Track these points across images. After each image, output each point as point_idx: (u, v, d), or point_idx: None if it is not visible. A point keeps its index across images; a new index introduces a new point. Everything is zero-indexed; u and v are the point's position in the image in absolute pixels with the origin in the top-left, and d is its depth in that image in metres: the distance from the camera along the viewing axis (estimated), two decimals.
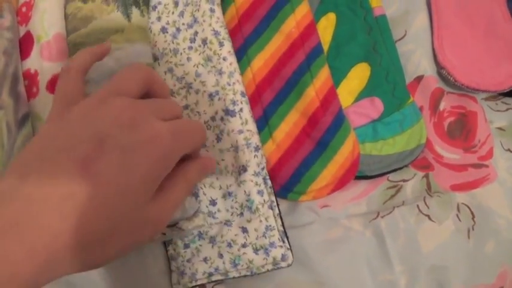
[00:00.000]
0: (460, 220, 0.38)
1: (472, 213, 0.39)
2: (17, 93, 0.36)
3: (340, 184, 0.37)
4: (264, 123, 0.37)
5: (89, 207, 0.22)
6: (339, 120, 0.37)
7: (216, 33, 0.37)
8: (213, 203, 0.36)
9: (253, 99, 0.38)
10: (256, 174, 0.35)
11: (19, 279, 0.21)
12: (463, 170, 0.40)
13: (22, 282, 0.21)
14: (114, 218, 0.23)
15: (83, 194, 0.22)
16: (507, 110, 0.42)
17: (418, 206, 0.38)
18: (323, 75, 0.38)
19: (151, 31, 0.38)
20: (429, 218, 0.38)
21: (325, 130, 0.37)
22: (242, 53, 0.38)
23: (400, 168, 0.38)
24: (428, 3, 0.43)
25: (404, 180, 0.39)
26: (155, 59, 0.38)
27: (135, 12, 0.38)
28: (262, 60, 0.38)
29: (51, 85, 0.36)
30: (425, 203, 0.38)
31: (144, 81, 0.28)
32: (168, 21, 0.38)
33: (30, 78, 0.37)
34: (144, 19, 0.38)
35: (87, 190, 0.22)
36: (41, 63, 0.36)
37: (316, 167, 0.36)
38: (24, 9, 0.39)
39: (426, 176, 0.39)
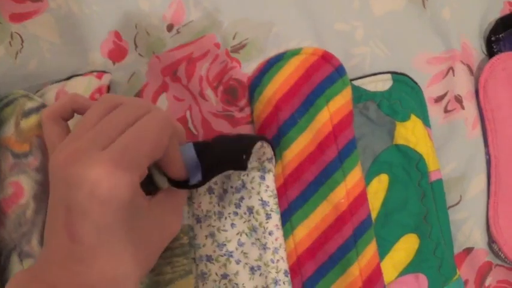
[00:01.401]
0: None
1: None
2: None
3: None
4: None
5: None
6: None
7: (263, 204, 0.36)
8: None
9: (293, 271, 0.36)
10: None
11: None
12: None
13: None
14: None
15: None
16: None
17: None
18: (369, 253, 0.36)
19: (196, 190, 0.37)
20: None
21: None
22: (285, 219, 0.36)
23: None
24: (488, 163, 0.40)
25: None
26: (197, 221, 0.36)
27: None
28: (306, 230, 0.36)
29: None
30: None
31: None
32: (216, 181, 0.36)
33: None
34: None
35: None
36: None
37: None
38: None
39: None
